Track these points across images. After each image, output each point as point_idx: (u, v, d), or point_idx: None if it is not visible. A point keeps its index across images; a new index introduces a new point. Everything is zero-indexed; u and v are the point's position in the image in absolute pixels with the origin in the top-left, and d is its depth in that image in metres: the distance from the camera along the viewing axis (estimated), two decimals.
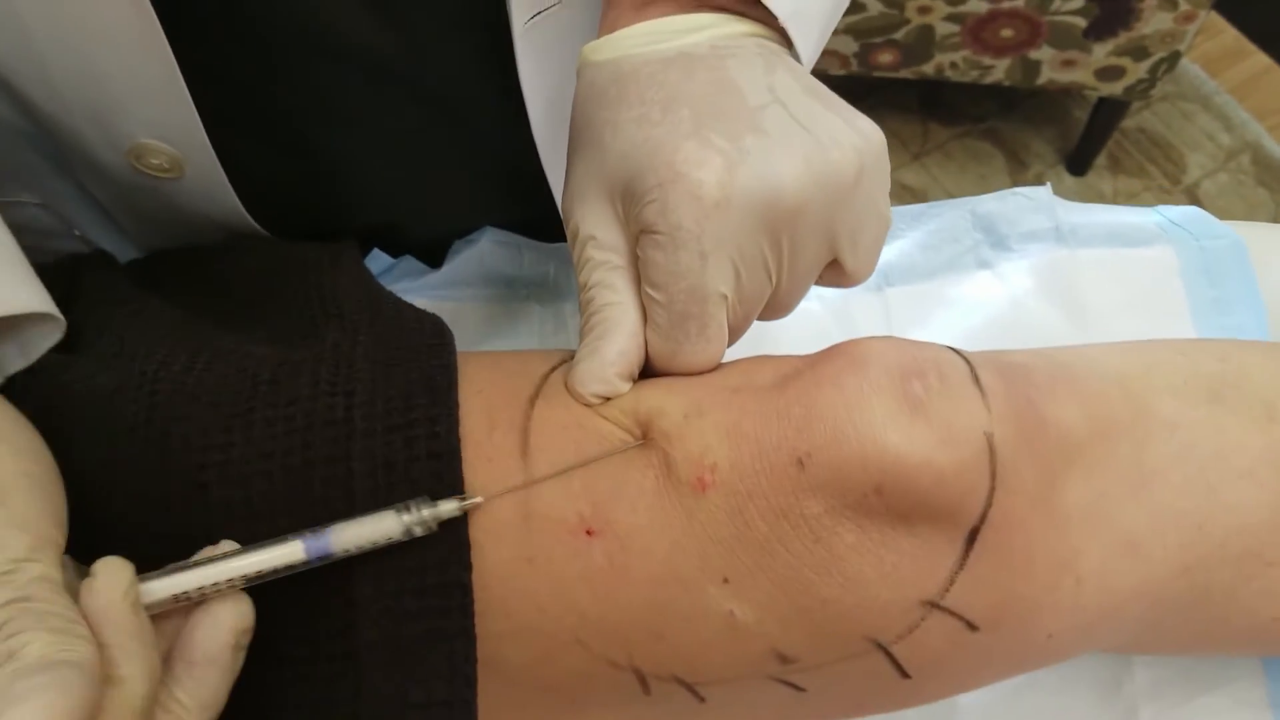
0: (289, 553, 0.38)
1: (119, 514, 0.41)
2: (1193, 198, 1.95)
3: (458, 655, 0.41)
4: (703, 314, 0.43)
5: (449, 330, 0.49)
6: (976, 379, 0.42)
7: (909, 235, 0.71)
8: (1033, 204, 0.69)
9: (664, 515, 0.41)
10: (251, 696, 0.39)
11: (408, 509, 0.39)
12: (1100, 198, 1.96)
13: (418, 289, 0.65)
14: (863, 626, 0.41)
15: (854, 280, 0.46)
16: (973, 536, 0.41)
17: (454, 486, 0.41)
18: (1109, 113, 1.80)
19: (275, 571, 0.38)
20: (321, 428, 0.42)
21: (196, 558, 0.38)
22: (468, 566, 0.41)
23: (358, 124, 0.56)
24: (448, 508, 0.40)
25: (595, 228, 0.45)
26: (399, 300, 0.52)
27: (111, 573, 0.35)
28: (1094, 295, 0.65)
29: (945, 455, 0.40)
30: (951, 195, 1.94)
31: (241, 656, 0.37)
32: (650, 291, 0.43)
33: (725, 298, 0.43)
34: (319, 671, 0.41)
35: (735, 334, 0.45)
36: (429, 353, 0.46)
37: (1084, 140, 1.90)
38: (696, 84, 0.43)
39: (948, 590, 0.41)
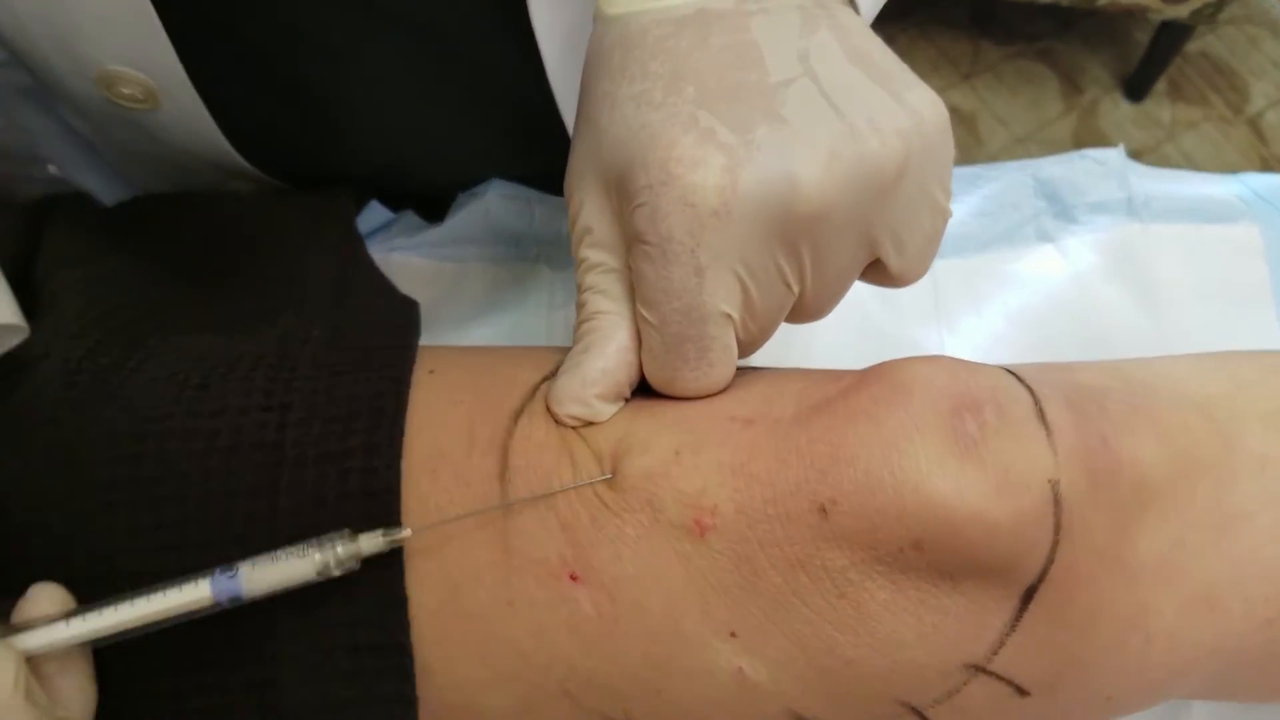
0: (194, 595, 0.34)
1: (37, 524, 0.37)
2: (1255, 129, 1.86)
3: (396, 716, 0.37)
4: (701, 336, 0.37)
5: (415, 329, 0.44)
6: (1041, 414, 0.36)
7: (963, 200, 0.64)
8: (1103, 169, 0.62)
9: (654, 564, 0.36)
10: None
11: (321, 545, 0.34)
12: (1157, 125, 1.87)
13: (415, 246, 0.60)
14: (894, 690, 0.36)
15: (902, 282, 0.40)
16: (1029, 595, 0.36)
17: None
18: (1171, 36, 1.70)
19: (176, 618, 0.34)
20: (248, 450, 0.38)
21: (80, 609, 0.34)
22: (405, 626, 0.37)
23: (342, 58, 0.50)
24: (370, 543, 0.35)
25: (592, 218, 0.38)
26: (376, 279, 0.48)
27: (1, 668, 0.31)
28: (1167, 276, 0.58)
29: (1001, 507, 0.34)
30: (1001, 120, 1.86)
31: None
32: (642, 310, 0.37)
33: (729, 317, 0.37)
34: None
35: (748, 350, 0.39)
36: (383, 362, 0.41)
37: (1144, 64, 1.80)
38: (710, 53, 0.36)
39: (996, 653, 0.36)
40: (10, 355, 0.39)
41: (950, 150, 0.38)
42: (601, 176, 0.37)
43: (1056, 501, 0.35)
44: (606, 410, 0.39)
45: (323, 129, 0.54)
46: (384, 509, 0.37)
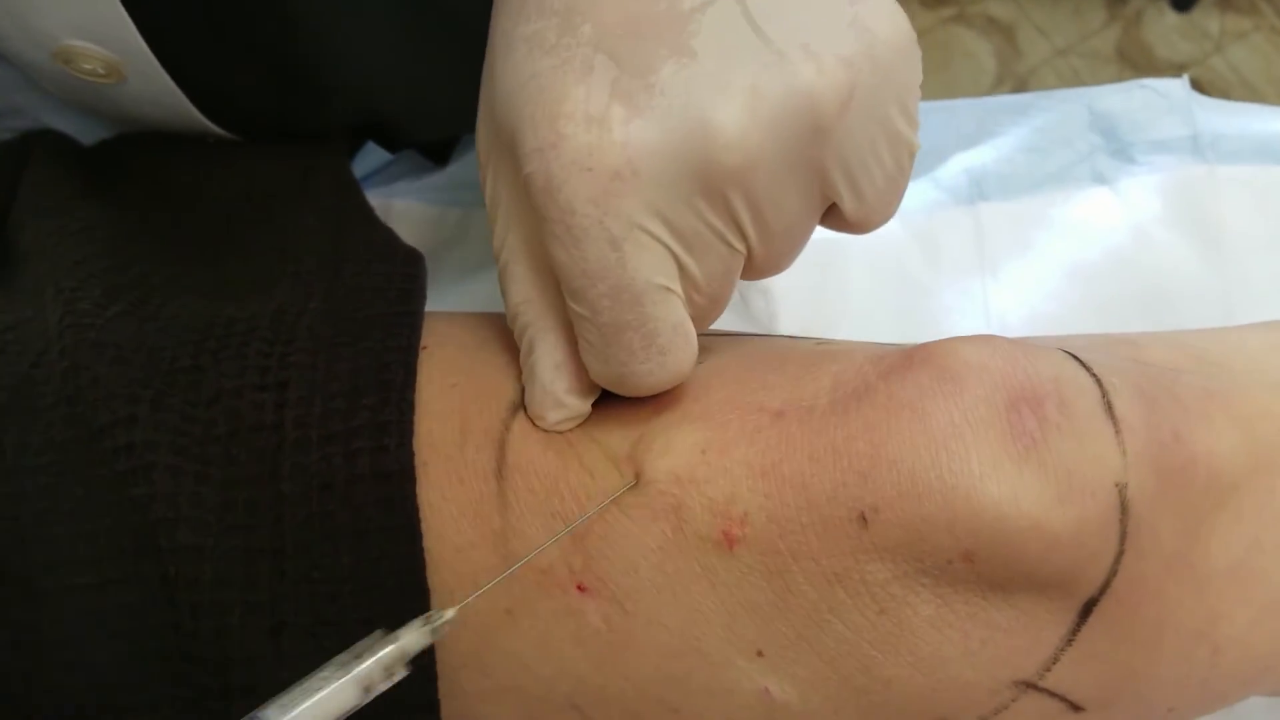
0: None
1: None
2: None
3: None
4: (642, 320, 0.31)
5: (420, 289, 0.39)
6: (1109, 407, 0.32)
7: (1011, 132, 0.59)
8: (1165, 102, 0.57)
9: (677, 578, 0.32)
10: None
11: (359, 657, 0.29)
12: (1205, 37, 1.80)
13: (417, 191, 0.56)
14: (937, 709, 0.33)
15: (864, 228, 0.35)
16: (1088, 608, 0.32)
17: (406, 516, 0.33)
18: None
19: None
20: (246, 434, 0.34)
21: None
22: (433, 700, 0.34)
23: (319, 14, 0.45)
24: (412, 640, 0.29)
25: (497, 188, 0.34)
26: (375, 233, 0.43)
27: None
28: (1236, 225, 0.53)
29: (1062, 515, 0.30)
30: (1042, 30, 1.78)
31: None
32: (569, 302, 0.32)
33: (667, 290, 0.31)
34: None
35: (703, 323, 0.34)
36: (387, 328, 0.37)
37: None
38: None
39: (1049, 669, 0.33)
40: None
41: (915, 72, 0.32)
42: (499, 138, 0.32)
43: (1123, 507, 0.31)
44: (587, 403, 0.35)
45: (301, 95, 0.50)
46: (400, 494, 0.33)
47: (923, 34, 1.71)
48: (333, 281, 0.39)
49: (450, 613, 0.30)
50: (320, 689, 0.27)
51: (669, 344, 0.32)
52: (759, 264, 0.34)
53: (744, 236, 0.32)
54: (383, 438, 0.34)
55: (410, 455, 0.34)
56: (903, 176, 0.34)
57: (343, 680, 0.28)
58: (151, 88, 0.44)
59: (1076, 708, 0.34)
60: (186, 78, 0.44)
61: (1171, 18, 1.78)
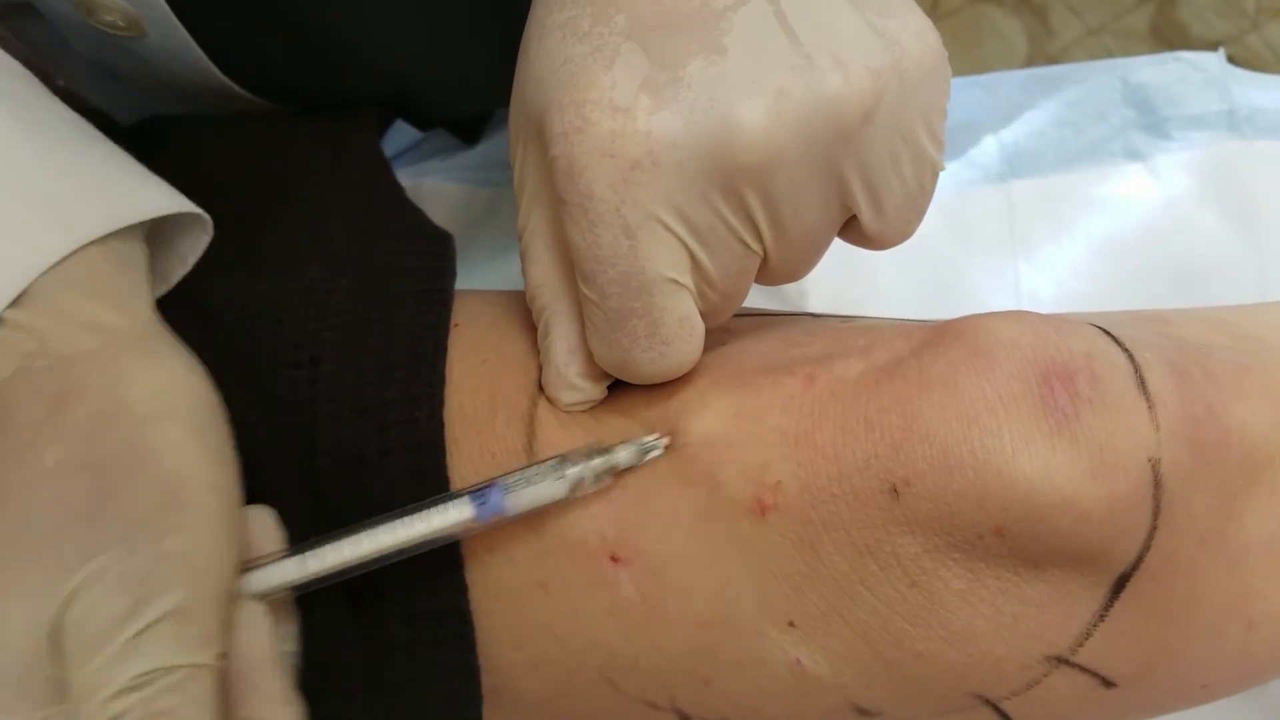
0: (457, 515, 0.31)
1: None
2: None
3: (460, 696, 0.34)
4: (648, 309, 0.32)
5: (450, 268, 0.40)
6: (1142, 383, 0.32)
7: (1043, 105, 0.58)
8: (1202, 76, 0.56)
9: (710, 546, 0.33)
10: None
11: (573, 461, 0.32)
12: (1241, 14, 1.77)
13: (448, 170, 0.56)
14: (968, 683, 0.33)
15: (882, 244, 0.34)
16: (1121, 583, 0.32)
17: (438, 485, 0.34)
18: None
19: (424, 544, 0.31)
20: (283, 412, 0.35)
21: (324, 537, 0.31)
22: (463, 588, 0.34)
23: None
24: (625, 455, 0.32)
25: (525, 170, 0.34)
26: (406, 213, 0.44)
27: (253, 630, 0.29)
28: (1271, 201, 0.53)
29: (1095, 491, 0.30)
30: (1074, 9, 1.76)
31: None
32: (581, 285, 0.32)
33: (677, 284, 0.31)
34: None
35: (715, 319, 0.34)
36: (418, 304, 0.37)
37: None
38: None
39: (1081, 645, 0.33)
40: None
41: (943, 90, 0.32)
42: (529, 120, 0.33)
43: (1157, 483, 0.31)
44: (601, 387, 0.35)
45: (323, 62, 0.50)
46: (430, 464, 0.34)
47: (953, 13, 1.69)
48: (363, 260, 0.40)
49: (665, 439, 0.33)
50: (541, 479, 0.32)
51: (673, 335, 0.32)
52: (775, 267, 0.34)
53: (760, 237, 0.32)
54: (413, 410, 0.34)
55: (440, 427, 0.34)
56: (924, 196, 0.34)
57: (559, 476, 0.32)
58: (171, 44, 0.44)
59: (1109, 683, 0.34)
60: (205, 35, 0.44)
61: None
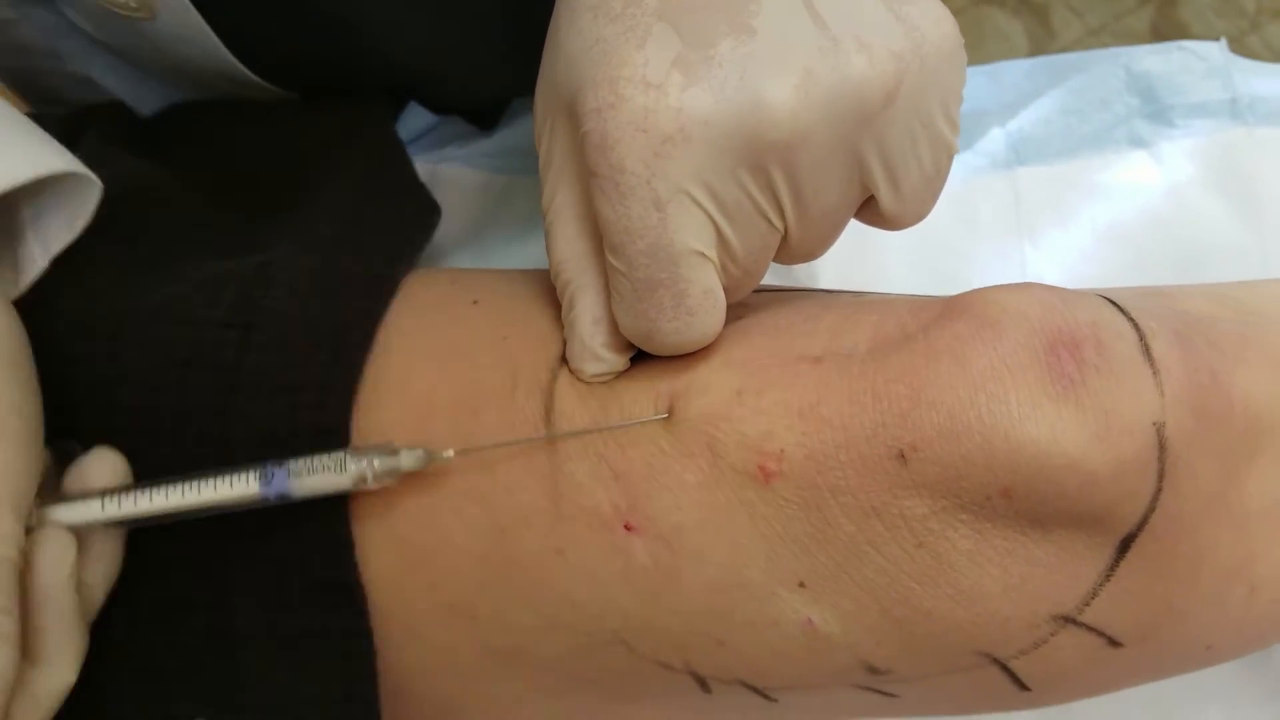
0: (243, 490, 0.33)
1: None
2: None
3: (352, 652, 0.36)
4: (674, 280, 0.33)
5: (408, 257, 0.42)
6: (1147, 349, 0.33)
7: (1048, 93, 0.59)
8: (1205, 65, 0.57)
9: (717, 512, 0.34)
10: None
11: (359, 457, 0.34)
12: (1241, 15, 1.78)
13: (465, 156, 0.57)
14: (976, 642, 0.34)
15: (899, 224, 0.36)
16: (1126, 544, 0.33)
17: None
18: None
19: (222, 506, 0.34)
20: (206, 369, 0.37)
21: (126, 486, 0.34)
22: (353, 566, 0.36)
23: None
24: (409, 460, 0.34)
25: (552, 148, 0.35)
26: (404, 195, 0.46)
27: (57, 552, 0.32)
28: (1273, 187, 0.54)
29: (1101, 454, 0.31)
30: (1075, 10, 1.77)
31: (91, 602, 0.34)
32: (609, 256, 0.33)
33: (703, 256, 0.33)
34: (190, 644, 0.37)
35: (736, 294, 0.35)
36: (364, 289, 0.39)
37: None
38: None
39: (1088, 604, 0.33)
40: None
41: (960, 77, 0.33)
42: (559, 98, 0.34)
43: (1161, 446, 0.32)
44: (623, 358, 0.36)
45: (334, 47, 0.51)
46: (337, 448, 0.35)
47: (956, 14, 1.70)
48: (339, 243, 0.42)
49: (449, 453, 0.34)
50: (328, 468, 0.34)
51: (698, 306, 0.33)
52: (794, 245, 0.35)
53: (782, 214, 0.33)
54: (326, 395, 0.36)
55: (347, 416, 0.36)
56: (939, 178, 0.35)
57: (344, 471, 0.34)
58: (182, 26, 0.45)
59: (1115, 643, 0.34)
60: (215, 17, 0.45)
61: None
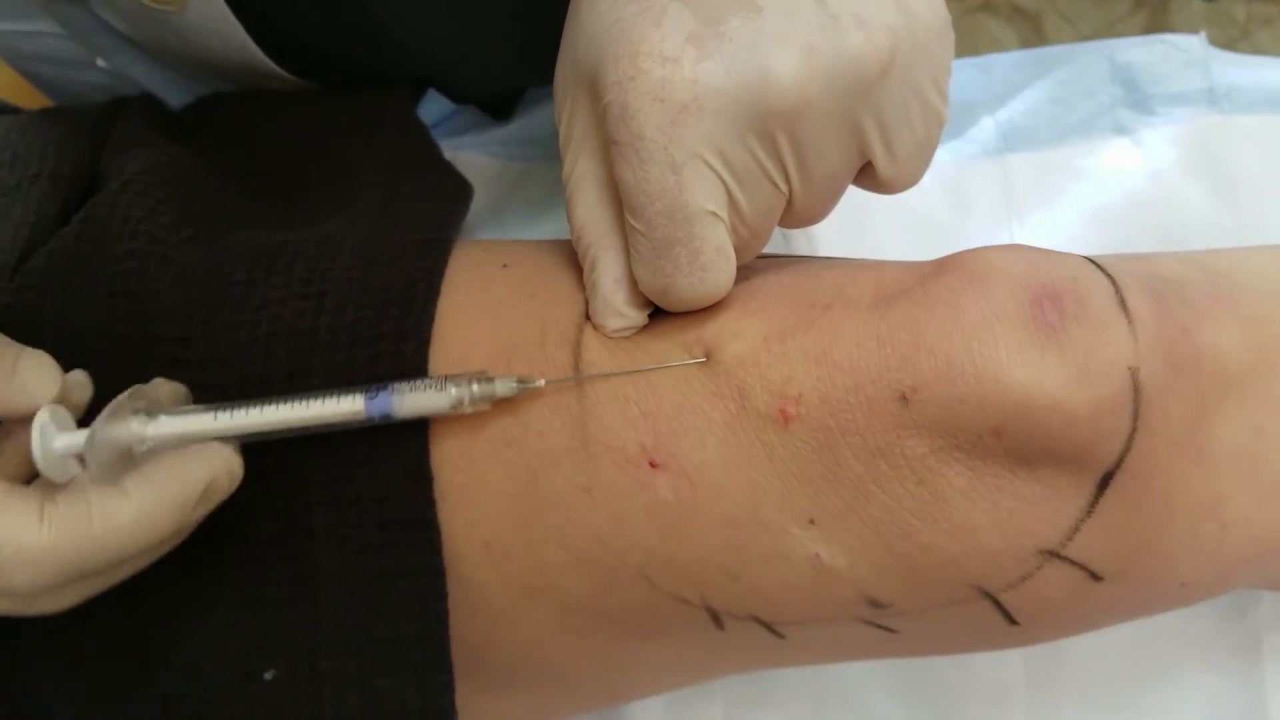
0: (349, 406, 0.36)
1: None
2: None
3: (427, 592, 0.38)
4: (690, 238, 0.36)
5: (455, 222, 0.45)
6: (1123, 302, 0.36)
7: (1036, 85, 0.62)
8: (1184, 57, 0.60)
9: (739, 451, 0.36)
10: (190, 613, 0.38)
11: (458, 382, 0.36)
12: (1232, 24, 1.81)
13: (482, 144, 0.60)
14: (969, 575, 0.37)
15: (894, 188, 0.39)
16: (1105, 482, 0.36)
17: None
18: None
19: (329, 424, 0.36)
20: (285, 337, 0.39)
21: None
22: (431, 501, 0.38)
23: None
24: (504, 387, 0.37)
25: (573, 121, 0.38)
26: (428, 177, 0.49)
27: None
28: (1249, 171, 0.57)
29: (1080, 395, 0.34)
30: (1069, 19, 1.80)
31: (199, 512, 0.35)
32: (628, 217, 0.36)
33: (715, 215, 0.36)
34: (268, 595, 0.39)
35: (745, 254, 0.38)
36: (419, 253, 0.42)
37: None
38: None
39: (1071, 539, 0.36)
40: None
41: (949, 52, 0.37)
42: (580, 75, 0.37)
43: (1136, 389, 0.35)
44: (643, 313, 0.39)
45: (354, 38, 0.54)
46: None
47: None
48: (380, 218, 0.45)
49: (540, 381, 0.37)
50: (430, 388, 0.36)
51: (711, 262, 0.36)
52: (798, 208, 0.38)
53: (787, 178, 0.36)
54: (401, 344, 0.38)
55: (425, 360, 0.38)
56: (931, 144, 0.38)
57: (444, 390, 0.36)
58: (211, 17, 0.48)
59: (1096, 577, 0.37)
60: (242, 8, 0.48)
61: (1197, 4, 1.79)
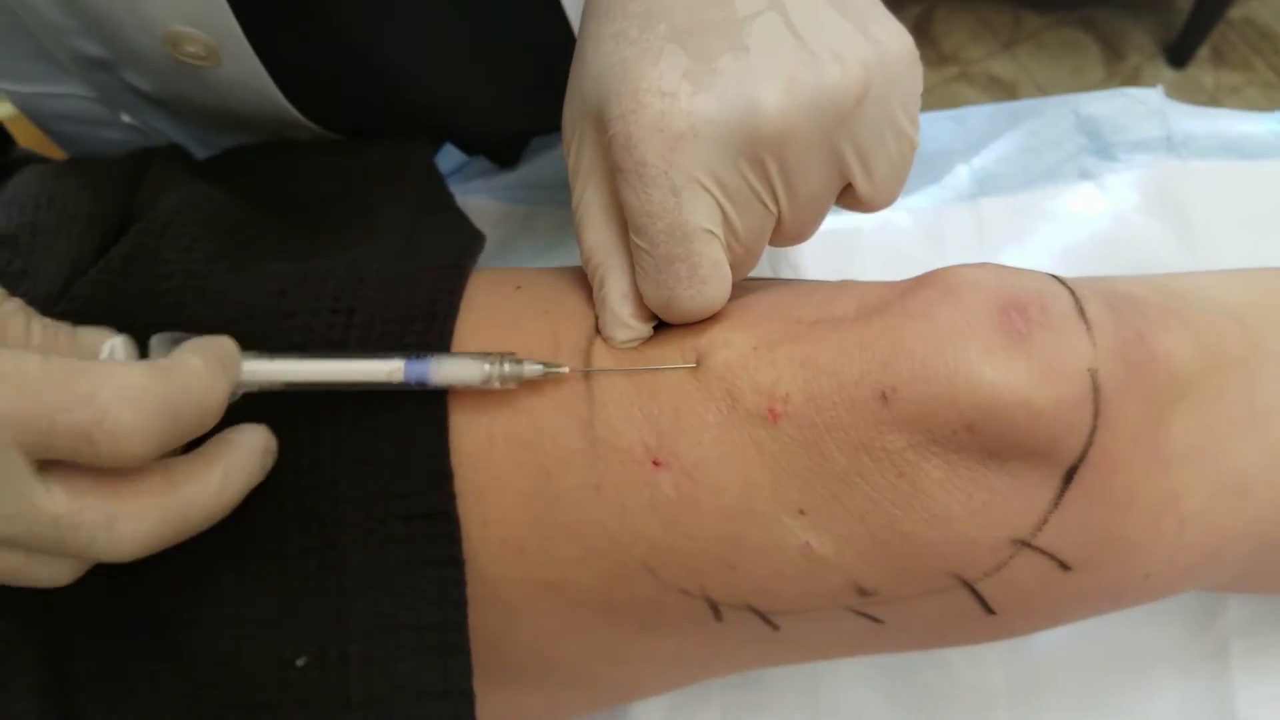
0: (389, 369, 0.39)
1: None
2: None
3: (447, 580, 0.41)
4: (689, 254, 0.40)
5: (473, 253, 0.48)
6: (1082, 311, 0.40)
7: (1007, 135, 0.67)
8: (1144, 108, 0.65)
9: (732, 449, 0.40)
10: (226, 604, 0.41)
11: (490, 359, 0.40)
12: (1200, 91, 1.87)
13: (490, 189, 0.64)
14: (947, 563, 0.40)
15: (873, 207, 0.43)
16: (1070, 475, 0.39)
17: (439, 418, 0.41)
18: (1214, 1, 1.70)
19: (370, 385, 0.39)
20: (318, 345, 0.43)
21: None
22: (451, 496, 0.41)
23: (380, 15, 0.54)
24: (531, 369, 0.40)
25: (580, 152, 0.42)
26: (446, 216, 0.52)
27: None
28: (1204, 212, 0.61)
29: (1045, 393, 0.38)
30: (1043, 88, 1.86)
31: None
32: (633, 237, 0.40)
33: (712, 233, 0.40)
34: (298, 586, 0.42)
35: (739, 271, 0.42)
36: (440, 277, 0.45)
37: (1186, 30, 1.81)
38: None
39: (1040, 529, 0.39)
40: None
41: (917, 82, 0.41)
42: (586, 111, 0.41)
43: (1095, 389, 0.39)
44: (648, 325, 0.43)
45: (371, 87, 0.58)
46: (435, 399, 0.41)
47: (927, 91, 1.80)
48: (404, 246, 0.48)
49: (565, 368, 0.40)
50: (459, 360, 0.39)
51: (709, 276, 0.40)
52: (786, 227, 0.42)
53: (776, 199, 0.40)
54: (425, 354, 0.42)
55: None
56: (905, 166, 0.42)
57: (477, 364, 0.40)
58: (243, 71, 0.52)
59: (1065, 566, 0.40)
60: (273, 62, 0.52)
61: (1168, 74, 1.86)
